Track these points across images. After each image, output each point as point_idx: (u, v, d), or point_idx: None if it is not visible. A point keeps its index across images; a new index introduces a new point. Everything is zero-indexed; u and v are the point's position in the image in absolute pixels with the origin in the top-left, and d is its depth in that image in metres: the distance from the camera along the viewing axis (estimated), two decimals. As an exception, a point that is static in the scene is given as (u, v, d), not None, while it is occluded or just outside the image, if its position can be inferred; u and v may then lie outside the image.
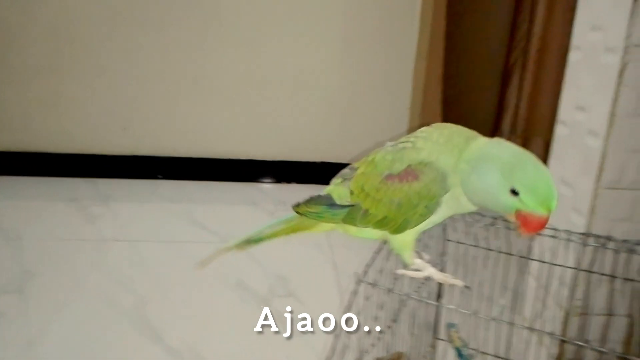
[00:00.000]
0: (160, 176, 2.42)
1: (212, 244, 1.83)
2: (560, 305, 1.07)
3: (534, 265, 1.18)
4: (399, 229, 0.64)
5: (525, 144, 2.83)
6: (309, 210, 0.72)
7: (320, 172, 2.50)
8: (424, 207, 0.61)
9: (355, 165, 0.72)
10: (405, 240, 0.67)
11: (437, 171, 0.60)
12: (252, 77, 2.37)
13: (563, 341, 1.05)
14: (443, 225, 0.91)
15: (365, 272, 0.61)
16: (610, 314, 1.01)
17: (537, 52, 2.72)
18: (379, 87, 2.42)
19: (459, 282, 0.69)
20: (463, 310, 0.61)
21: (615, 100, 0.94)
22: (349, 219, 0.69)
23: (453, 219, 0.87)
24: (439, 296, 0.95)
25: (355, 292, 0.58)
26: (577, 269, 0.98)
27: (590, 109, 1.01)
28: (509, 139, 2.85)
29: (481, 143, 0.61)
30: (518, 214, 0.56)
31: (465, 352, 0.94)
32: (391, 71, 2.39)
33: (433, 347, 1.02)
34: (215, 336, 1.34)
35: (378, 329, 0.67)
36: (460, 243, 0.92)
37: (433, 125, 0.67)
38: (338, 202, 0.70)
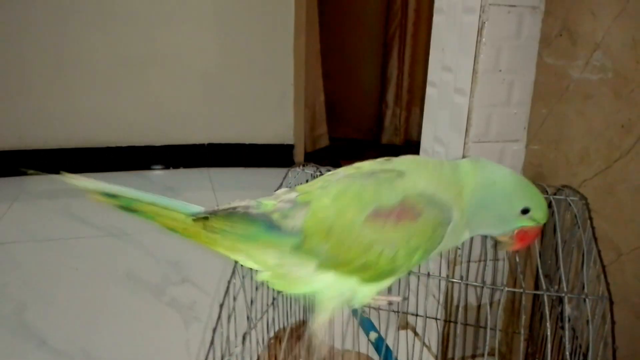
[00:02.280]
0: (30, 171, 2.22)
1: (96, 239, 1.72)
2: (444, 255, 1.14)
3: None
4: (379, 277, 0.51)
5: (408, 115, 2.97)
6: (230, 229, 0.51)
7: (208, 154, 2.44)
8: (423, 251, 0.50)
9: (298, 197, 0.53)
10: (372, 291, 0.53)
11: (441, 207, 0.50)
12: (123, 59, 2.23)
13: (447, 291, 1.12)
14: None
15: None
16: (483, 259, 1.09)
17: (413, 24, 2.84)
18: (261, 65, 2.39)
19: (392, 298, 0.63)
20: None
21: (476, 58, 1.00)
22: (304, 251, 0.51)
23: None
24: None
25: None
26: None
27: (455, 69, 1.07)
28: (394, 111, 2.95)
29: (467, 169, 0.54)
30: (519, 231, 0.55)
31: (360, 310, 0.97)
32: (271, 48, 2.37)
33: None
34: (106, 333, 1.27)
35: (265, 295, 0.66)
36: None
37: (396, 158, 0.56)
38: (284, 226, 0.51)
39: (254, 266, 0.53)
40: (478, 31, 0.99)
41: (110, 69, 2.23)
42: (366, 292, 0.53)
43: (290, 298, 0.78)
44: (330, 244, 0.49)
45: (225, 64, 2.35)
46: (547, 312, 0.54)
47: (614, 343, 0.48)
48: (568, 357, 0.54)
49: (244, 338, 0.59)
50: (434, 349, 1.21)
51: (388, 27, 2.90)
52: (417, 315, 1.05)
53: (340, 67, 2.94)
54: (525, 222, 0.55)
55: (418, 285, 1.04)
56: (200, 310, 1.36)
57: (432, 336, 1.21)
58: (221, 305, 0.52)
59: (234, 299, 0.55)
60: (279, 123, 2.49)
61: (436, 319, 1.12)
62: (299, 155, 2.59)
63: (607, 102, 0.89)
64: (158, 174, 2.36)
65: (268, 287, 0.68)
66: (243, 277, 0.56)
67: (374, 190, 0.49)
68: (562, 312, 0.63)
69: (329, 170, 0.84)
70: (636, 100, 0.84)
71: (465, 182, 0.53)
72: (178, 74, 2.31)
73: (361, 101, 3.07)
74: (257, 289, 0.58)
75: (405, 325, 1.28)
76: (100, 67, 2.21)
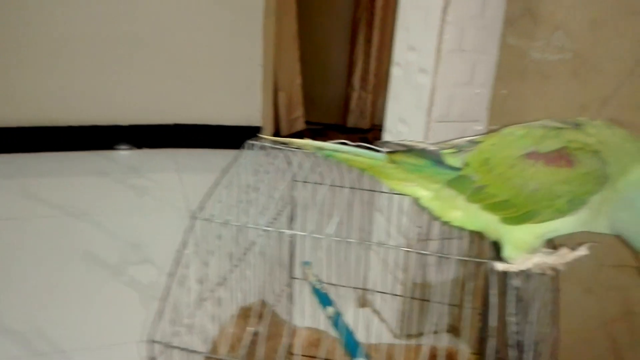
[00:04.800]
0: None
1: (54, 218, 1.67)
2: (403, 234, 1.14)
3: (382, 201, 1.24)
4: (519, 219, 0.53)
5: (375, 99, 2.96)
6: (407, 160, 0.59)
7: (174, 135, 2.40)
8: (565, 201, 0.49)
9: (477, 139, 0.59)
10: (520, 238, 0.54)
11: (600, 164, 0.48)
12: (86, 37, 2.16)
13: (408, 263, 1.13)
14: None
15: (202, 208, 0.59)
16: (440, 238, 1.10)
17: (382, 8, 2.83)
18: (229, 45, 2.35)
19: (578, 254, 0.56)
20: (317, 236, 0.61)
21: (440, 37, 1.00)
22: (457, 186, 0.57)
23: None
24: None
25: (190, 229, 0.55)
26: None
27: (419, 48, 1.07)
28: (360, 95, 2.94)
29: None
30: None
31: (319, 286, 0.97)
32: (240, 28, 2.33)
33: (289, 286, 1.03)
34: (62, 313, 1.23)
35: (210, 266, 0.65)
36: (308, 182, 0.93)
37: (594, 120, 0.54)
38: (447, 162, 0.58)
39: (420, 193, 0.61)
40: (443, 10, 0.99)
41: (73, 47, 2.15)
42: (511, 235, 0.55)
43: (243, 274, 0.78)
44: (482, 173, 0.54)
45: (192, 43, 2.30)
46: (495, 280, 0.54)
47: (558, 308, 0.49)
48: (513, 325, 0.55)
49: (192, 311, 0.58)
50: (392, 325, 1.22)
51: (356, 10, 2.89)
52: (375, 291, 1.06)
53: (311, 50, 2.92)
54: None
55: (377, 263, 1.05)
56: (160, 290, 1.34)
57: (391, 313, 1.22)
58: (170, 275, 0.51)
59: (186, 267, 0.54)
60: (247, 105, 2.46)
61: (394, 295, 1.13)
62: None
63: (566, 83, 0.90)
64: (122, 154, 2.31)
65: (219, 260, 0.67)
66: (197, 245, 0.55)
67: (539, 136, 0.51)
68: (509, 283, 0.64)
69: (284, 149, 0.83)
70: (593, 80, 0.85)
71: (633, 168, 0.48)
72: (143, 52, 2.25)
73: (330, 85, 3.06)
74: (206, 264, 0.57)
75: (364, 303, 1.28)
76: (62, 45, 2.14)
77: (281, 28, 2.50)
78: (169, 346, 0.50)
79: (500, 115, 1.05)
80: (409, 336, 1.20)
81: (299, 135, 2.78)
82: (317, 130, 2.92)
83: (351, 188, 0.93)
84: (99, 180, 2.00)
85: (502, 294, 0.68)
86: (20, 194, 1.82)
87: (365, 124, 2.96)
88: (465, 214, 0.58)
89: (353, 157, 0.63)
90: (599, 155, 0.49)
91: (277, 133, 2.72)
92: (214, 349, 0.89)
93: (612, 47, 0.82)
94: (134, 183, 2.00)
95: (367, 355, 0.81)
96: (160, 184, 2.01)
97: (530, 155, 0.51)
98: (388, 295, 1.18)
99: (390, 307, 1.21)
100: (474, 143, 0.58)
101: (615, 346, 0.86)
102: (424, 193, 0.61)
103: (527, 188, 0.50)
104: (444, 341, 1.19)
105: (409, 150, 0.60)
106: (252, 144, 0.79)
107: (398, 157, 0.60)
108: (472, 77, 1.04)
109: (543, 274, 0.54)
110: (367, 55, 2.89)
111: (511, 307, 0.52)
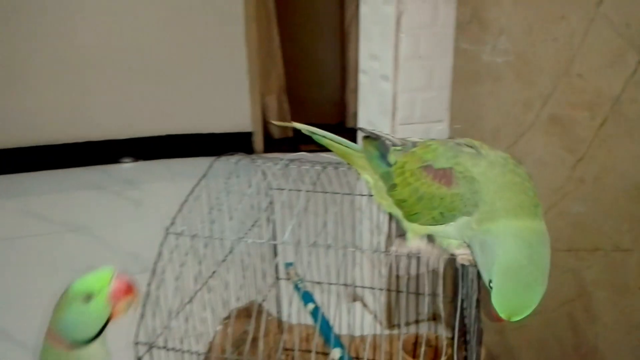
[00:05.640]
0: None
1: (55, 235, 1.76)
2: (382, 230, 1.22)
3: (362, 202, 1.31)
4: (409, 217, 0.63)
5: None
6: (368, 147, 0.69)
7: (167, 146, 2.47)
8: (439, 213, 0.59)
9: (419, 142, 0.67)
10: (412, 228, 0.65)
11: (471, 191, 0.56)
12: (74, 52, 2.24)
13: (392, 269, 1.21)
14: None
15: (173, 223, 0.66)
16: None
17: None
18: (214, 55, 2.42)
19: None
20: (273, 242, 0.68)
21: (396, 46, 1.08)
22: (384, 180, 0.67)
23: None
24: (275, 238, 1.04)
25: (163, 244, 0.63)
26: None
27: (380, 57, 1.14)
28: (353, 97, 2.93)
29: (518, 226, 0.54)
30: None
31: (301, 285, 1.05)
32: (222, 36, 2.40)
33: (275, 286, 1.11)
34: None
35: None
36: (283, 189, 1.00)
37: (514, 159, 0.60)
38: (388, 158, 0.67)
39: (370, 179, 0.72)
40: (397, 21, 1.06)
41: (63, 66, 2.23)
42: (407, 225, 0.66)
43: (224, 279, 0.85)
44: (398, 174, 0.63)
45: (179, 56, 2.37)
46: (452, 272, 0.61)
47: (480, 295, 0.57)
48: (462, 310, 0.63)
49: (172, 314, 0.66)
50: (380, 317, 1.30)
51: (344, 14, 2.93)
52: (356, 286, 1.13)
53: (298, 54, 2.96)
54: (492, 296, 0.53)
55: (368, 260, 1.12)
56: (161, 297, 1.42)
57: (378, 305, 1.30)
58: (149, 285, 0.59)
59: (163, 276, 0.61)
60: (236, 111, 2.53)
61: (371, 288, 1.21)
62: (258, 142, 2.64)
63: (512, 83, 0.98)
64: (118, 167, 2.39)
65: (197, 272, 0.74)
66: (171, 251, 0.63)
67: (440, 153, 0.60)
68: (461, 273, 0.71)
69: (254, 161, 0.91)
70: (533, 80, 0.93)
71: (504, 223, 0.54)
72: (129, 65, 2.33)
73: (323, 87, 3.10)
74: (181, 265, 0.65)
75: (354, 298, 1.37)
76: (54, 64, 2.21)
77: (262, 34, 2.56)
78: (152, 346, 0.58)
79: (460, 115, 1.13)
80: (395, 326, 1.28)
81: (292, 139, 2.84)
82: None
83: (324, 192, 1.01)
84: (97, 195, 2.09)
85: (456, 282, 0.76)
86: (18, 212, 1.90)
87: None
88: (388, 204, 0.68)
89: (335, 143, 0.75)
90: (474, 183, 0.56)
91: (268, 137, 2.79)
92: (210, 349, 0.97)
93: (547, 48, 0.90)
94: (130, 195, 2.08)
95: (343, 345, 0.89)
96: (156, 194, 2.09)
97: (426, 168, 0.60)
98: (376, 289, 1.26)
99: (377, 300, 1.29)
100: (415, 145, 0.66)
101: (574, 324, 0.94)
102: (371, 180, 0.72)
103: (416, 194, 0.60)
104: (427, 329, 1.27)
105: (375, 139, 0.69)
106: (222, 159, 0.87)
107: (365, 144, 0.70)
108: (431, 81, 1.12)
109: (471, 265, 0.62)
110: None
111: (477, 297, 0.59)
